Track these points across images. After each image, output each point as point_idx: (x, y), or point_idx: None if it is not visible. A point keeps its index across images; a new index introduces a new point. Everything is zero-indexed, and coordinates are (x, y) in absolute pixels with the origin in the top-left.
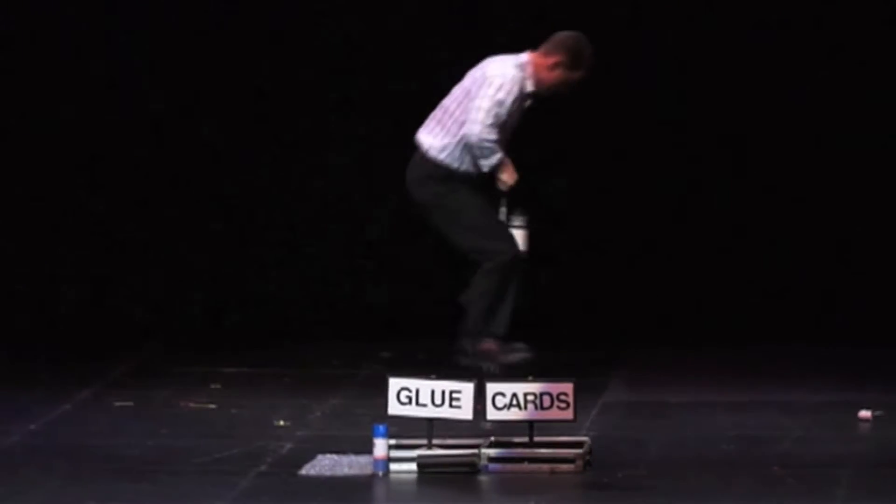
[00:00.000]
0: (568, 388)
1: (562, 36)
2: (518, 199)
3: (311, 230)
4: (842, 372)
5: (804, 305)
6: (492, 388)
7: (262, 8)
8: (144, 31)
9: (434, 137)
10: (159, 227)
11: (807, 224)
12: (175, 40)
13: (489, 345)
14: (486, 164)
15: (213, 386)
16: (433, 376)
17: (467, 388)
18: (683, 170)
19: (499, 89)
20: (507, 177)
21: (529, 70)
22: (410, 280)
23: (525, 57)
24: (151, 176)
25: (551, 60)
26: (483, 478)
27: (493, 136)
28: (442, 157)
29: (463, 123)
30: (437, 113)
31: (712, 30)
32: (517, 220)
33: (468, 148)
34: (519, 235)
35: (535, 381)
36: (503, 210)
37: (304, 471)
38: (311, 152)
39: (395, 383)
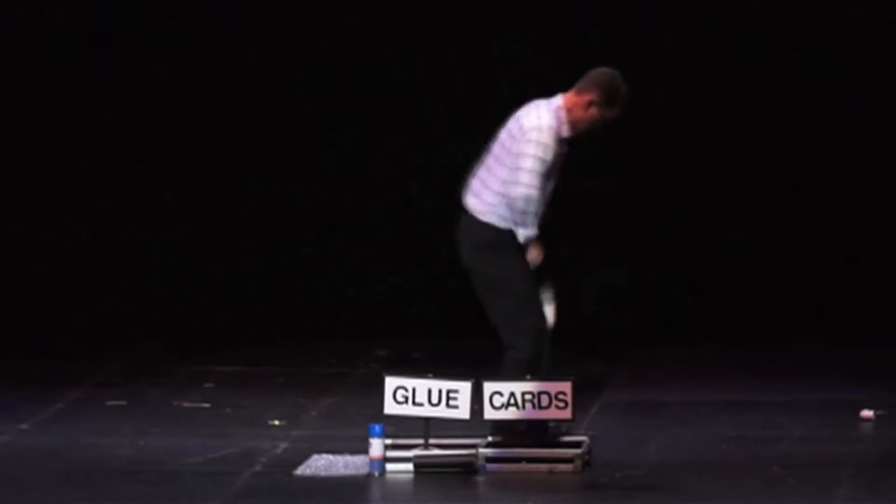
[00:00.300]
0: (566, 387)
1: (595, 73)
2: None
3: (308, 230)
4: (842, 371)
5: (804, 305)
6: (489, 387)
7: (261, 9)
8: (145, 32)
9: (479, 199)
10: (156, 227)
11: (807, 224)
12: (175, 41)
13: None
14: (521, 234)
15: (206, 385)
16: (430, 375)
17: (464, 388)
18: (684, 170)
19: (538, 146)
20: (535, 256)
21: (564, 115)
22: (407, 278)
23: (558, 101)
24: (148, 175)
25: (585, 99)
26: (480, 478)
27: (537, 198)
28: (489, 218)
29: (504, 182)
30: (480, 172)
31: (711, 30)
32: (545, 294)
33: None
34: (547, 309)
35: (533, 380)
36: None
37: (299, 471)
38: (309, 152)
39: (391, 382)
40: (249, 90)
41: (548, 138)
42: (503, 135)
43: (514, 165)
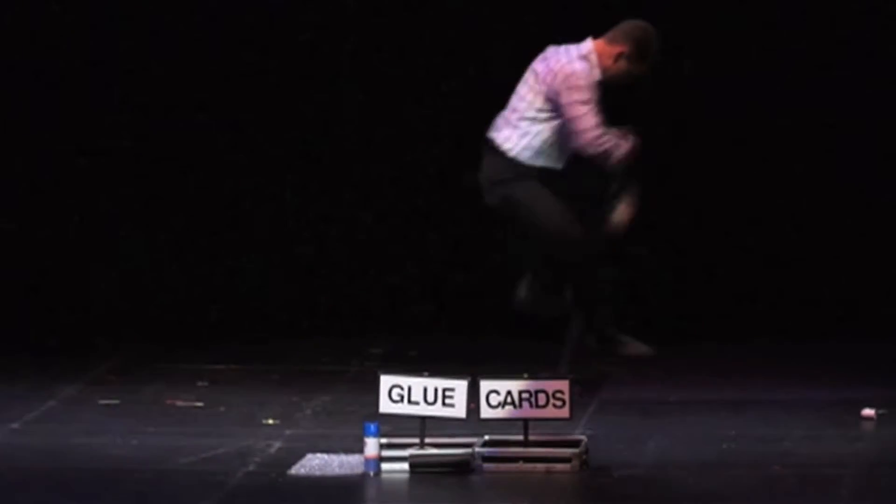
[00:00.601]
0: (564, 385)
1: (629, 26)
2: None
3: (303, 227)
4: (842, 370)
5: (804, 305)
6: (486, 385)
7: (261, 9)
8: (144, 32)
9: (501, 134)
10: (154, 226)
11: (807, 223)
12: (175, 41)
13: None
14: (617, 156)
15: (200, 384)
16: (426, 373)
17: (461, 386)
18: (683, 170)
19: (579, 90)
20: (627, 158)
21: (595, 59)
22: (403, 276)
23: (588, 46)
24: (148, 175)
25: (616, 50)
26: (476, 478)
27: (603, 132)
28: (509, 151)
29: (525, 119)
30: (505, 112)
31: (711, 30)
32: (629, 192)
33: (593, 160)
34: (625, 208)
35: (530, 378)
36: (615, 185)
37: (293, 470)
38: (309, 152)
39: (386, 380)
40: (249, 90)
41: (584, 79)
42: (529, 77)
43: (561, 115)
